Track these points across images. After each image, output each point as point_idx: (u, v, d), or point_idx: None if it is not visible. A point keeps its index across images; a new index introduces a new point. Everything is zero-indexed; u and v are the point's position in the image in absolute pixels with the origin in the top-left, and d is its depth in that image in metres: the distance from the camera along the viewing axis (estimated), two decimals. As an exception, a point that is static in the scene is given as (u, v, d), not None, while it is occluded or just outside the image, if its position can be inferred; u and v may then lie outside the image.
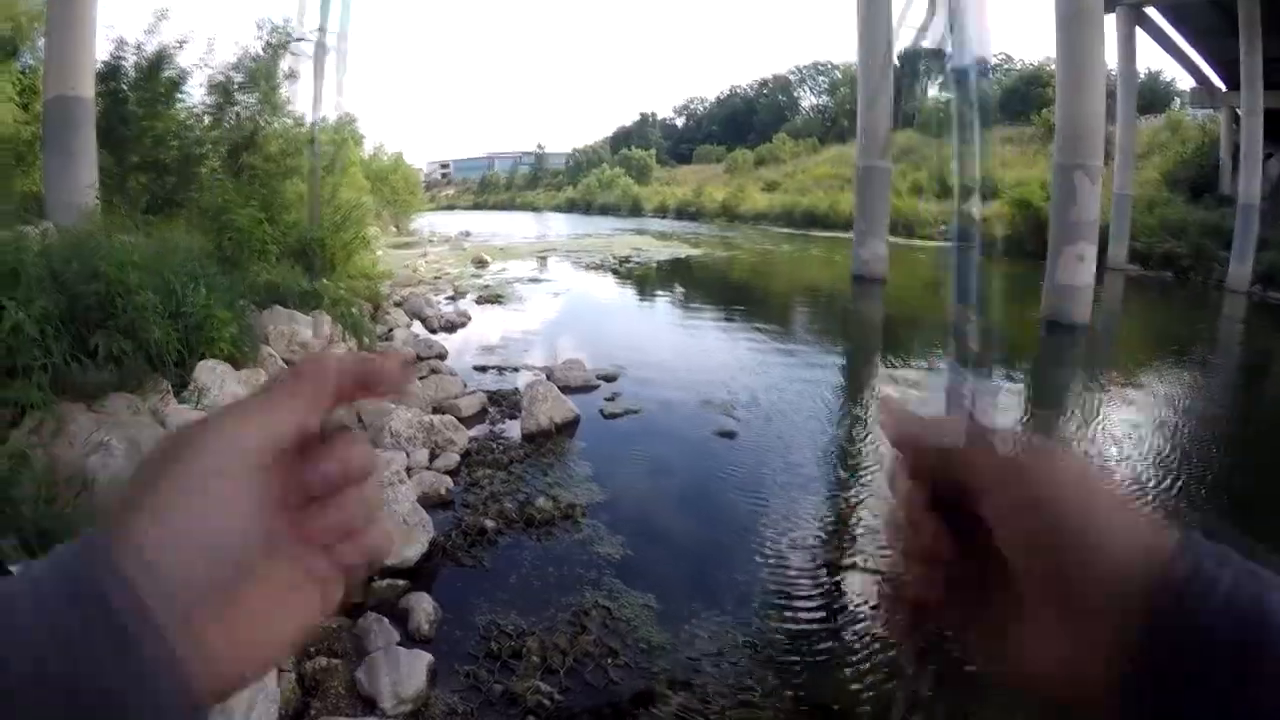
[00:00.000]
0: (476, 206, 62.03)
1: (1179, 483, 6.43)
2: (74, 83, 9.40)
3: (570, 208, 57.51)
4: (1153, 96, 37.97)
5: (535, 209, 58.90)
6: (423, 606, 4.25)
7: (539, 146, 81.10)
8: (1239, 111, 21.74)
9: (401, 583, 4.57)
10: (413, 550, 4.78)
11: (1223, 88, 25.40)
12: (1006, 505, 0.46)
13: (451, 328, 13.08)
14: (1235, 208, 18.71)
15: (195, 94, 13.92)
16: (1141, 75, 27.77)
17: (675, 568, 5.01)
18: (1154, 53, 48.33)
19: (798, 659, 4.05)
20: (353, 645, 3.95)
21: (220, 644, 0.39)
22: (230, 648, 0.40)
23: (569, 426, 7.53)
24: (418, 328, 12.73)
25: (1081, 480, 0.45)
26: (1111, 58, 20.37)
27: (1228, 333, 14.94)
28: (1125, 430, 7.69)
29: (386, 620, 4.10)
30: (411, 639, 4.04)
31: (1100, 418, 8.26)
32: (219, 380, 6.51)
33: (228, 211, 10.69)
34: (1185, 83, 30.85)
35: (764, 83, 75.42)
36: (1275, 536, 5.28)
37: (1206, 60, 25.48)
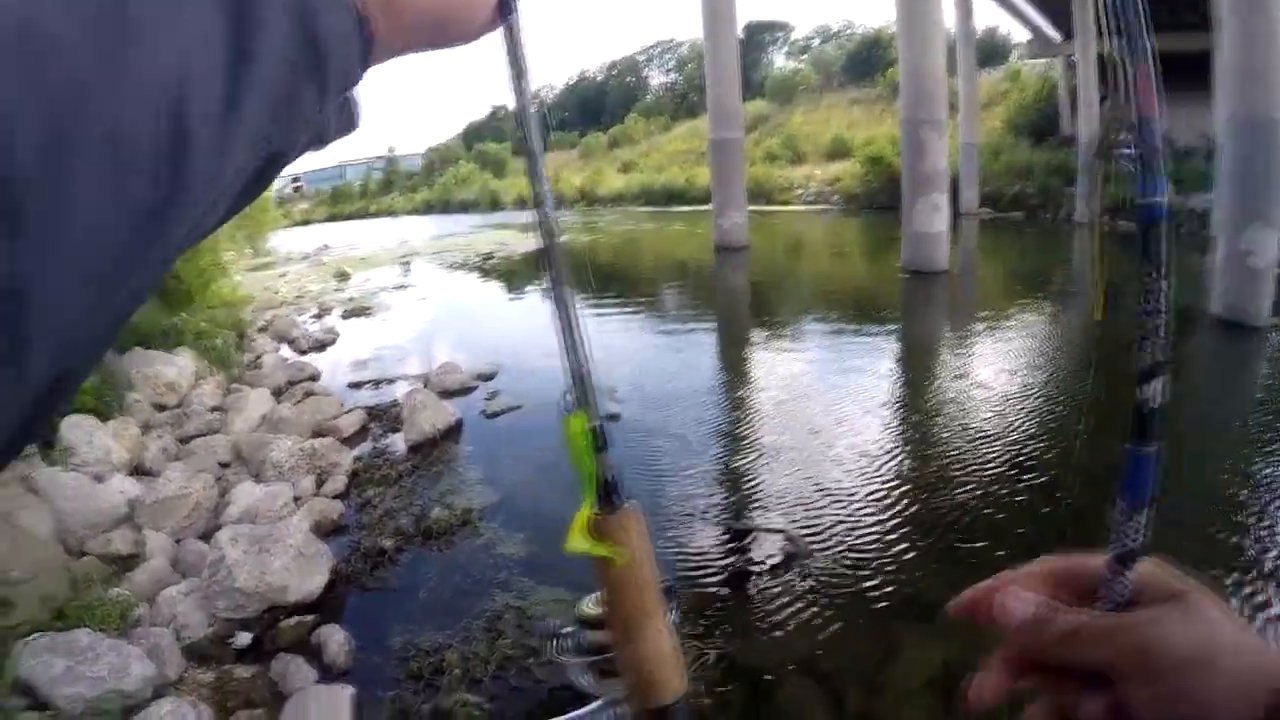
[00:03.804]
0: (332, 218, 60.16)
1: (1053, 405, 6.82)
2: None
3: (428, 209, 56.38)
4: (991, 50, 39.49)
5: (393, 214, 57.55)
6: (335, 638, 4.23)
7: (390, 150, 79.12)
8: (1073, 60, 22.93)
9: (309, 618, 4.53)
10: (314, 582, 4.73)
11: (1058, 38, 26.67)
12: (1143, 696, 0.47)
13: (321, 346, 12.78)
14: (1077, 147, 19.67)
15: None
16: (979, 31, 28.84)
17: (580, 557, 5.07)
18: (989, 10, 50.06)
19: (705, 623, 4.17)
20: (270, 691, 3.91)
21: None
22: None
23: (453, 431, 7.51)
24: (286, 351, 12.43)
25: (1209, 642, 0.47)
26: (949, 17, 21.12)
27: (1080, 262, 15.69)
28: (996, 364, 8.07)
29: (301, 659, 4.07)
30: (329, 674, 4.02)
31: (970, 357, 8.65)
32: (87, 436, 6.28)
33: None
34: (1021, 36, 32.15)
35: (612, 65, 75.32)
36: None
37: (1040, 13, 26.60)
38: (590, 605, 0.93)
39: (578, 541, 0.54)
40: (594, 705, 0.91)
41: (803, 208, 31.28)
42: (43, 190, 0.28)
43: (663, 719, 0.53)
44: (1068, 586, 0.55)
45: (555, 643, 0.93)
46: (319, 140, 0.47)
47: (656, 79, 72.03)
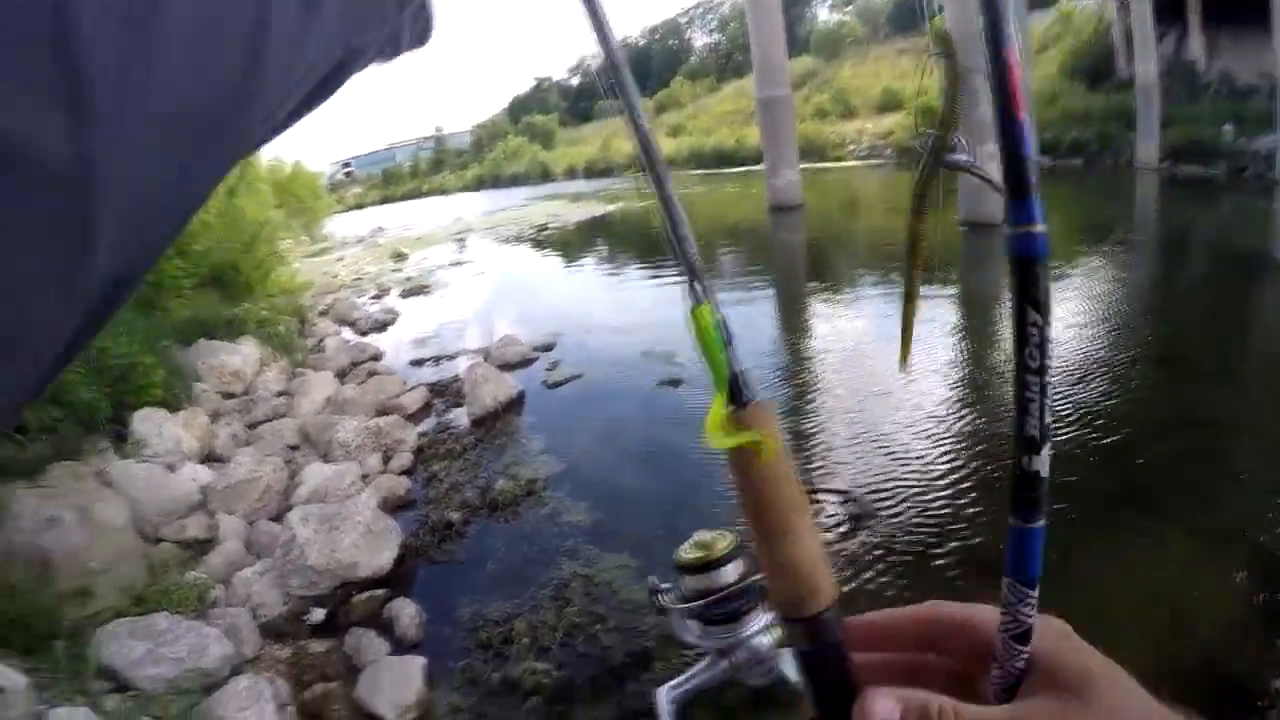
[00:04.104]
0: (385, 201, 60.89)
1: (1124, 358, 6.60)
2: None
3: (480, 185, 56.74)
4: (1041, -8, 38.26)
5: (445, 192, 58.01)
6: (406, 612, 4.28)
7: (437, 129, 79.74)
8: (1127, -2, 22.10)
9: (380, 593, 4.61)
10: (384, 558, 4.79)
11: (1109, -24, 25.70)
12: None
13: (381, 327, 12.94)
14: (1135, 90, 18.99)
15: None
16: (1028, -27, 27.94)
17: (645, 522, 5.07)
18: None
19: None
20: (345, 665, 3.98)
21: None
22: None
23: (514, 403, 7.54)
24: (347, 333, 12.61)
25: None
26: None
27: (1144, 210, 15.24)
28: (1062, 318, 7.79)
29: (373, 633, 4.14)
30: (401, 646, 4.08)
31: None
32: (157, 428, 6.42)
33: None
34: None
35: (653, 29, 74.85)
36: (1211, 395, 5.52)
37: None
38: (687, 550, 0.90)
39: (720, 437, 0.50)
40: (705, 661, 0.89)
41: (856, 163, 30.66)
42: (118, 60, 0.27)
43: (816, 628, 0.49)
44: (955, 639, 0.50)
45: (658, 597, 0.91)
46: (394, 47, 0.47)
47: (700, 40, 71.47)
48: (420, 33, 0.50)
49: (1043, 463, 0.42)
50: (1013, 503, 0.43)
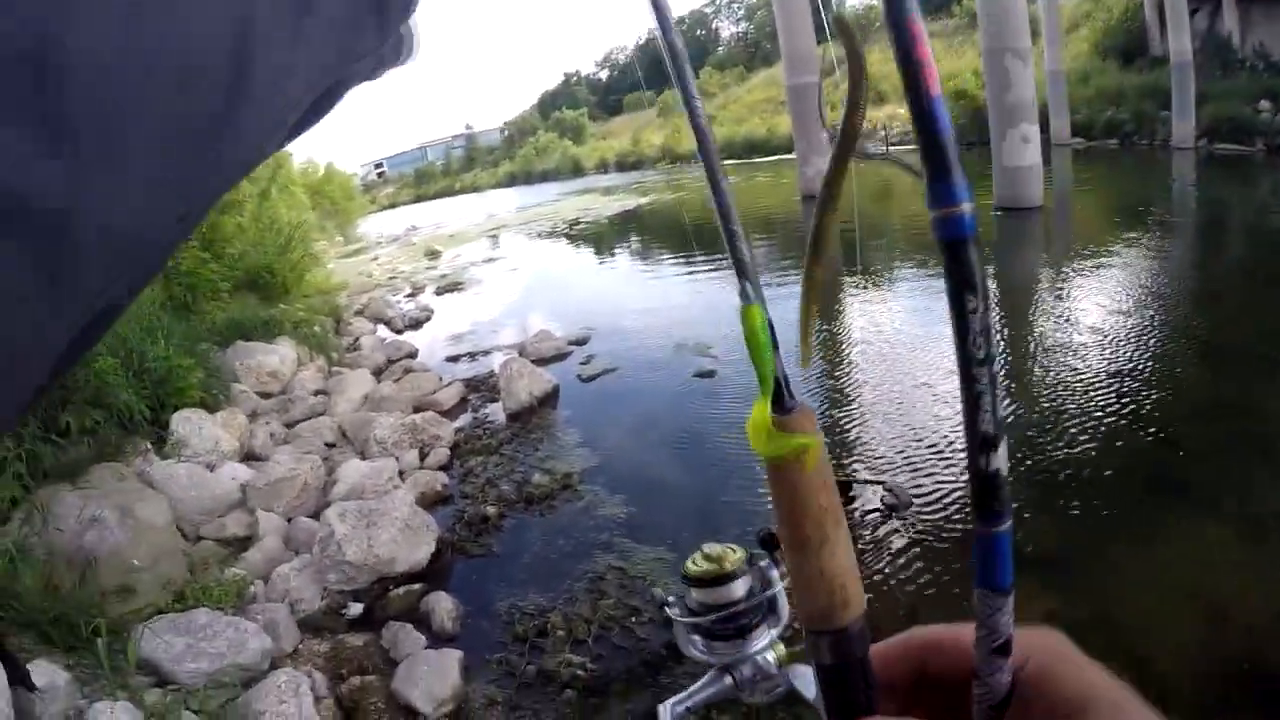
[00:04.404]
0: (418, 199, 61.31)
1: (1164, 346, 6.45)
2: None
3: (511, 182, 57.05)
4: (1071, -30, 37.68)
5: (477, 189, 58.32)
6: (442, 605, 4.30)
7: (468, 127, 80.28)
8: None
9: (417, 587, 4.63)
10: (421, 553, 4.82)
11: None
12: None
13: (416, 324, 13.04)
14: (1169, 67, 18.63)
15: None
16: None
17: (680, 514, 5.06)
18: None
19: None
20: (382, 658, 4.01)
21: None
22: None
23: (550, 398, 7.56)
24: (383, 331, 12.71)
25: None
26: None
27: (1181, 191, 14.90)
28: (1099, 304, 7.65)
29: (410, 626, 4.16)
30: (438, 639, 4.10)
31: (1072, 297, 8.21)
32: (196, 428, 6.49)
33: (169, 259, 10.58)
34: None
35: (680, 20, 74.47)
36: (1252, 390, 5.38)
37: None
38: (696, 562, 0.89)
39: (764, 443, 0.49)
40: (709, 676, 0.88)
41: (887, 149, 30.37)
42: (103, 94, 0.27)
43: (843, 641, 0.47)
44: (946, 660, 0.46)
45: (665, 610, 0.90)
46: (378, 68, 0.48)
47: (727, 30, 71.20)
48: (402, 52, 0.50)
49: (1001, 460, 0.39)
50: (975, 507, 0.40)
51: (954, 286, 0.36)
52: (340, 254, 25.01)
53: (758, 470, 5.30)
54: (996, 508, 0.39)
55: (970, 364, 0.37)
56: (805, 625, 0.49)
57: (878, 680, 0.48)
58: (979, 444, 0.38)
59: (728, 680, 0.85)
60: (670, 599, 0.88)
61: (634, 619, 3.99)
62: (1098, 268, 9.09)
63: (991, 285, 9.33)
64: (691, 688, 0.85)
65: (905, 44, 0.36)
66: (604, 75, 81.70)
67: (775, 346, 0.51)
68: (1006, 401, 5.78)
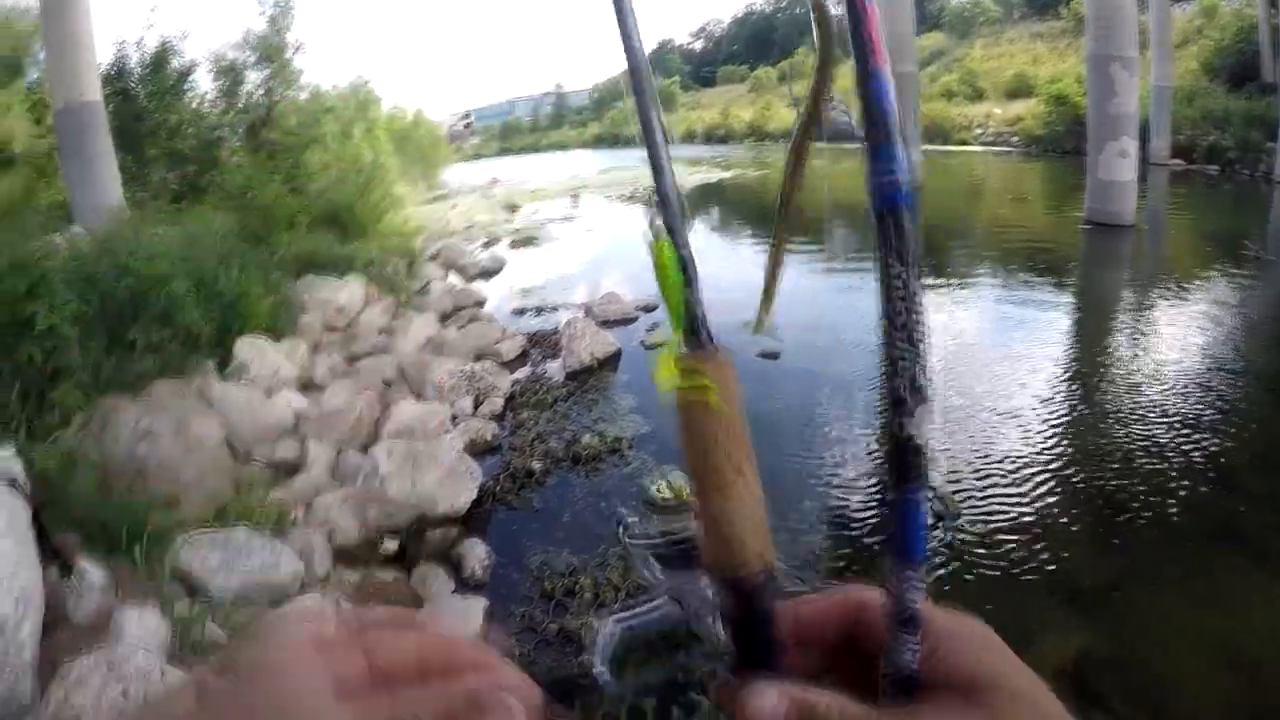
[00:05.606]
0: (503, 153, 61.81)
1: (1243, 388, 6.16)
2: (80, 89, 9.32)
3: (598, 144, 57.10)
4: (1184, -18, 36.17)
5: (563, 148, 58.53)
6: (475, 552, 4.32)
7: (557, 86, 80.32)
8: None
9: (453, 531, 4.66)
10: (462, 498, 4.84)
11: (1256, -31, 24.00)
12: None
13: (487, 275, 13.15)
14: (1279, 96, 17.68)
15: (205, 80, 13.82)
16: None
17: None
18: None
19: (860, 567, 4.04)
20: (409, 597, 4.03)
21: None
22: None
23: (611, 360, 7.55)
24: (454, 278, 12.80)
25: None
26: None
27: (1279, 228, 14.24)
28: (1179, 336, 7.33)
29: (441, 570, 4.20)
30: (466, 585, 4.13)
31: (1154, 325, 7.89)
32: (260, 354, 6.60)
33: (250, 189, 10.78)
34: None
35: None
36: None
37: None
38: (659, 489, 0.85)
39: (668, 378, 0.46)
40: (658, 600, 0.84)
41: (980, 148, 29.48)
42: None
43: (745, 591, 0.44)
44: (872, 622, 0.44)
45: (622, 530, 0.87)
46: None
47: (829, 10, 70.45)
48: None
49: (917, 425, 0.38)
50: (890, 471, 0.39)
51: (882, 251, 0.39)
52: (421, 200, 25.23)
53: (815, 461, 5.23)
54: (912, 474, 0.39)
55: (892, 328, 0.38)
56: (708, 572, 0.46)
57: (788, 637, 0.46)
58: (894, 407, 0.38)
59: (675, 607, 0.82)
60: (631, 520, 0.84)
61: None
62: (1183, 298, 8.70)
63: (1073, 297, 9.07)
64: (638, 609, 0.81)
65: (858, 19, 0.40)
66: (698, 46, 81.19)
67: (690, 283, 0.53)
68: (1068, 422, 5.62)
